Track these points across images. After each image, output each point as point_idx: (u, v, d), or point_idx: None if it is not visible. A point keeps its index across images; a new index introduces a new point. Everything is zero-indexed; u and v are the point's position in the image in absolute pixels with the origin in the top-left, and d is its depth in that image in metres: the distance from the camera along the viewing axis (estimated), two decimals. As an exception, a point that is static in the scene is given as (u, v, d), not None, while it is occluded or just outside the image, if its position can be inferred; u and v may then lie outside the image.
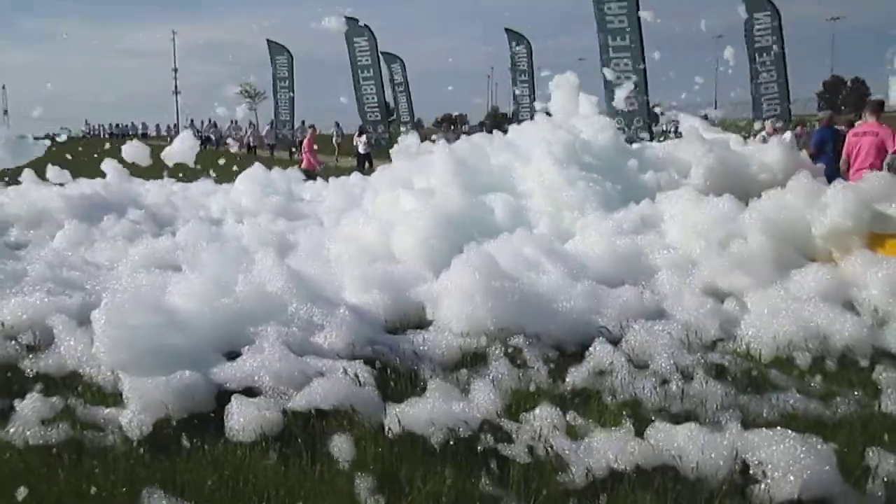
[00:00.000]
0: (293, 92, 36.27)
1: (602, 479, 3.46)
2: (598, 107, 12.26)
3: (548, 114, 11.58)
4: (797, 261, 6.69)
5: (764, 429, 3.65)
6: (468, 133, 17.94)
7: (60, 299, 5.93)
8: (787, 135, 14.14)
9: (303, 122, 34.10)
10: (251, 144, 39.19)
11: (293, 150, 31.95)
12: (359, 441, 3.85)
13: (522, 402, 4.30)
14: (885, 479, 3.39)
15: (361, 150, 25.94)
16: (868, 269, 6.23)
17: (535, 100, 23.24)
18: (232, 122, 46.69)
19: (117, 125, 67.83)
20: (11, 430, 3.99)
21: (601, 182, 9.06)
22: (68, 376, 4.83)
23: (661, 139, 17.54)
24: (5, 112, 79.38)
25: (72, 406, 4.27)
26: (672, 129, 22.82)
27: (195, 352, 4.65)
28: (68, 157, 18.58)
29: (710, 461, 3.46)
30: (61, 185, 12.96)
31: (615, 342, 5.22)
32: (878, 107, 9.87)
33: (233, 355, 4.73)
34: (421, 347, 5.20)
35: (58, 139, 20.65)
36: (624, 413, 4.07)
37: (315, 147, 20.17)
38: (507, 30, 32.03)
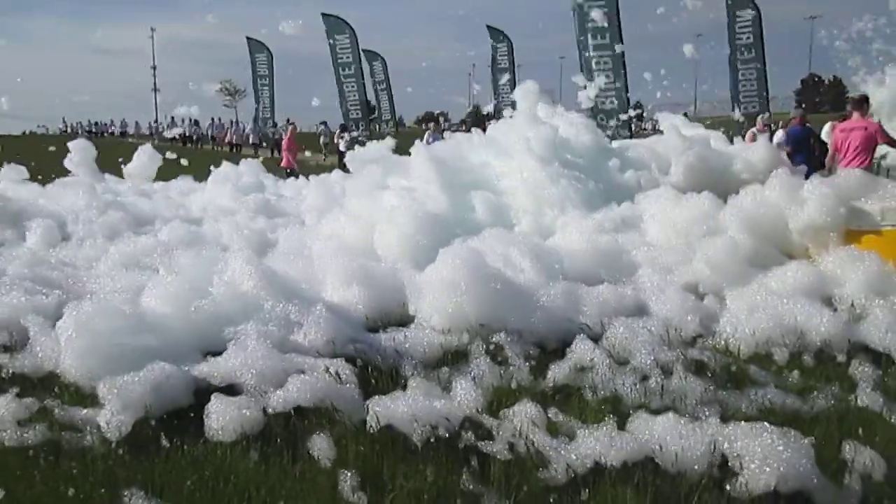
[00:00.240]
0: (273, 90, 36.01)
1: (583, 474, 3.48)
2: (575, 106, 12.21)
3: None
4: (776, 257, 6.76)
5: (742, 422, 3.69)
6: (453, 130, 17.90)
7: (37, 298, 5.85)
8: (780, 133, 14.17)
9: (287, 120, 33.91)
10: (234, 143, 38.95)
11: (273, 149, 31.83)
12: (340, 439, 3.84)
13: (504, 399, 4.31)
14: (861, 472, 3.44)
15: (342, 147, 25.84)
16: (845, 265, 6.31)
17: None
18: (213, 119, 46.36)
19: (95, 123, 66.26)
20: (-13, 432, 3.92)
21: (583, 180, 9.09)
22: (45, 377, 4.76)
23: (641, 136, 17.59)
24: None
25: (48, 407, 4.20)
26: (651, 128, 22.88)
27: (173, 356, 4.57)
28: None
29: (690, 453, 3.49)
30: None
31: (596, 339, 5.24)
32: (863, 102, 10.00)
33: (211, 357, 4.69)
34: (403, 345, 5.18)
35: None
36: (604, 409, 4.09)
37: (302, 146, 20.02)
38: (488, 27, 32.16)
